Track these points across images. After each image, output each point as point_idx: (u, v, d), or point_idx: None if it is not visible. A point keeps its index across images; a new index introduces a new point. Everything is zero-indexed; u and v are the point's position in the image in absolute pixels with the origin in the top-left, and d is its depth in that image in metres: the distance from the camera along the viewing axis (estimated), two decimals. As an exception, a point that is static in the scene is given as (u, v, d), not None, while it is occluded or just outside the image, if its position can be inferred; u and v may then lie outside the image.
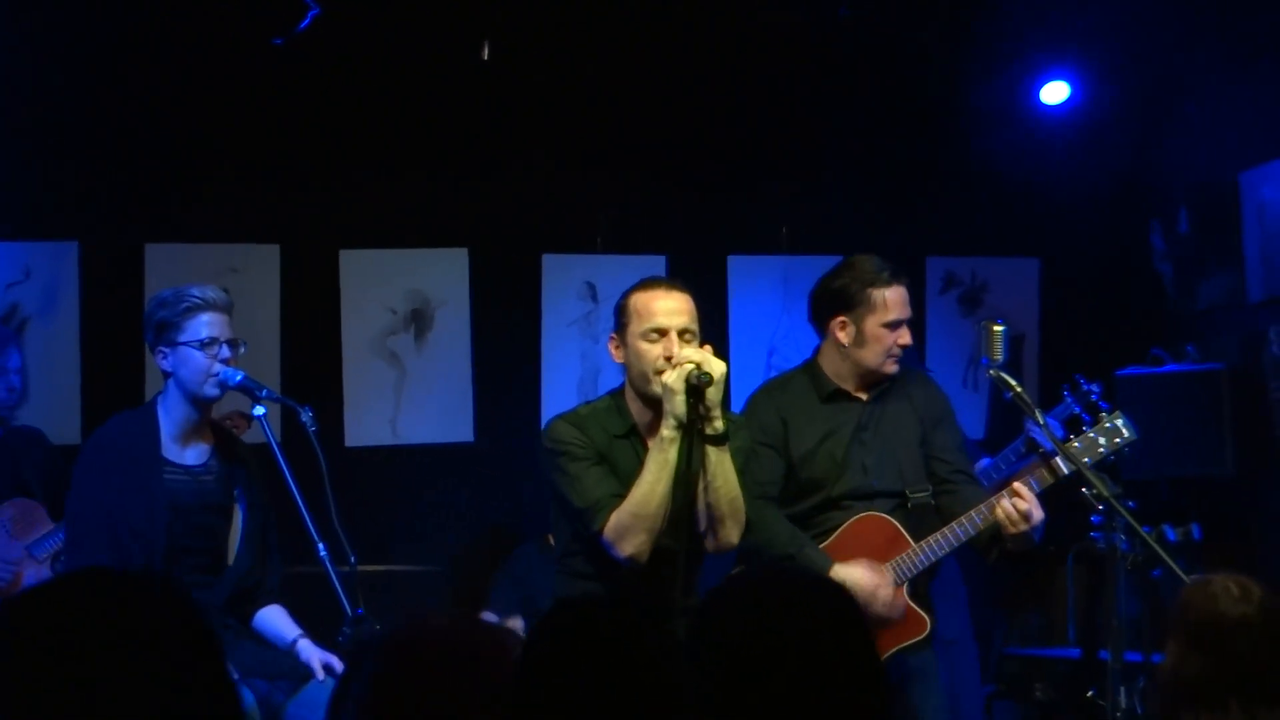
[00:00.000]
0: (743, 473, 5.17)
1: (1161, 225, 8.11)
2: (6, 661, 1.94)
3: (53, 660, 1.92)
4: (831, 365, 5.75)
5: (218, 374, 5.21)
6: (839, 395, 5.73)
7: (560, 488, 5.19)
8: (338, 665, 5.14)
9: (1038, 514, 5.30)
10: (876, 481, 5.63)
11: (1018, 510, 5.28)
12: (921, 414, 5.75)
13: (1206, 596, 3.48)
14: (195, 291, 5.28)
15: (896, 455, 5.68)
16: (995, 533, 5.39)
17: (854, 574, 5.39)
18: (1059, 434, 5.50)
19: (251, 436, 5.58)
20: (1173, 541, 6.45)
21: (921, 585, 5.60)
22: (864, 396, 5.73)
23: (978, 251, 8.26)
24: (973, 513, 5.43)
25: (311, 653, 5.23)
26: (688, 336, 5.11)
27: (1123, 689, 5.21)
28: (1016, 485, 5.37)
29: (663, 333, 5.08)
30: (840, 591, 2.87)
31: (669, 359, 5.00)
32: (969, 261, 8.25)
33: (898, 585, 5.48)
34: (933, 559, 5.51)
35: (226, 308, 5.32)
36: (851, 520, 5.59)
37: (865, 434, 5.68)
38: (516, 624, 6.27)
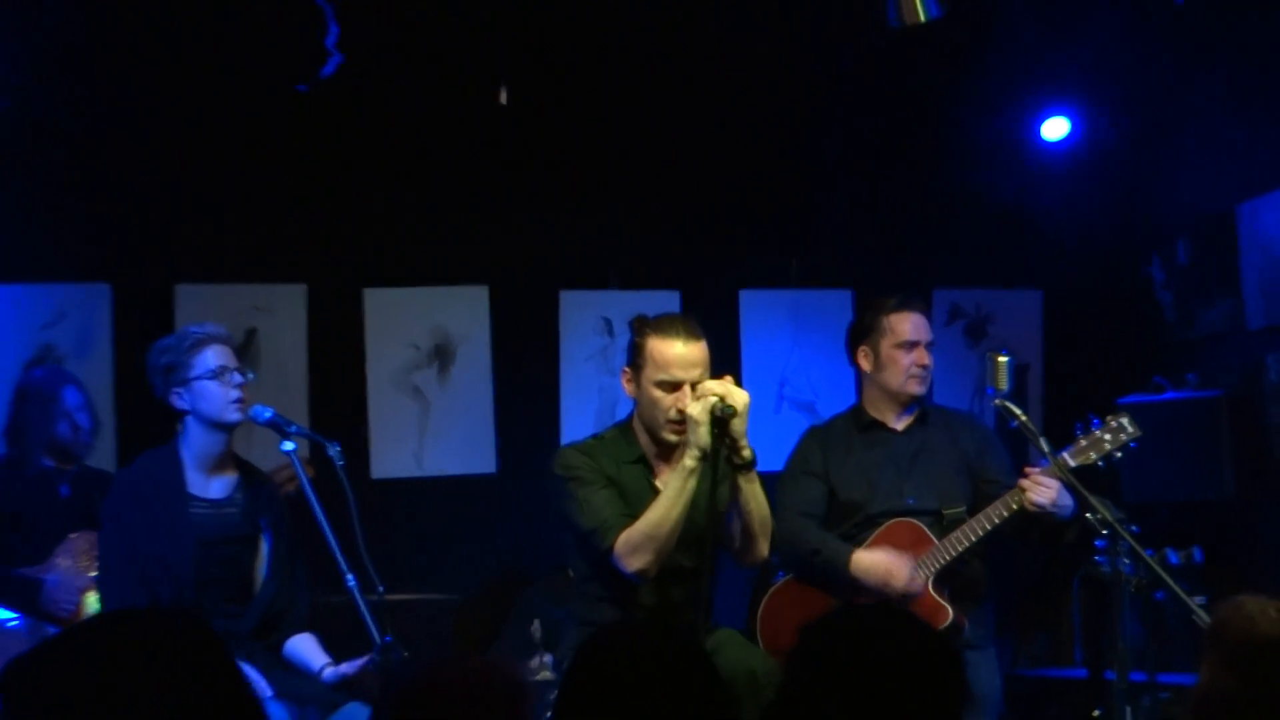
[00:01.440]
0: (775, 504, 5.30)
1: (1161, 256, 8.11)
2: (47, 706, 1.94)
3: (87, 701, 1.93)
4: (868, 398, 6.06)
5: (237, 398, 5.24)
6: (875, 426, 6.00)
7: (570, 512, 5.26)
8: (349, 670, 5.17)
9: (1053, 487, 5.46)
10: (912, 500, 5.86)
11: (1037, 484, 5.47)
12: (964, 446, 5.98)
13: (1244, 618, 3.45)
14: (195, 329, 5.34)
15: (934, 478, 5.90)
16: (1028, 517, 5.55)
17: (873, 557, 5.69)
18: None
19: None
20: (1175, 564, 6.49)
21: (957, 587, 5.73)
22: (899, 427, 5.99)
23: (982, 284, 8.27)
24: (990, 509, 5.62)
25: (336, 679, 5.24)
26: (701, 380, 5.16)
27: (1128, 708, 5.21)
28: (1027, 469, 5.59)
29: (677, 385, 5.13)
30: (941, 637, 2.89)
31: (681, 411, 5.07)
32: (974, 294, 8.27)
33: (922, 579, 5.65)
34: (955, 553, 5.66)
35: (228, 339, 5.38)
36: (883, 527, 5.80)
37: (903, 462, 5.92)
38: (538, 662, 6.29)
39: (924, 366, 5.90)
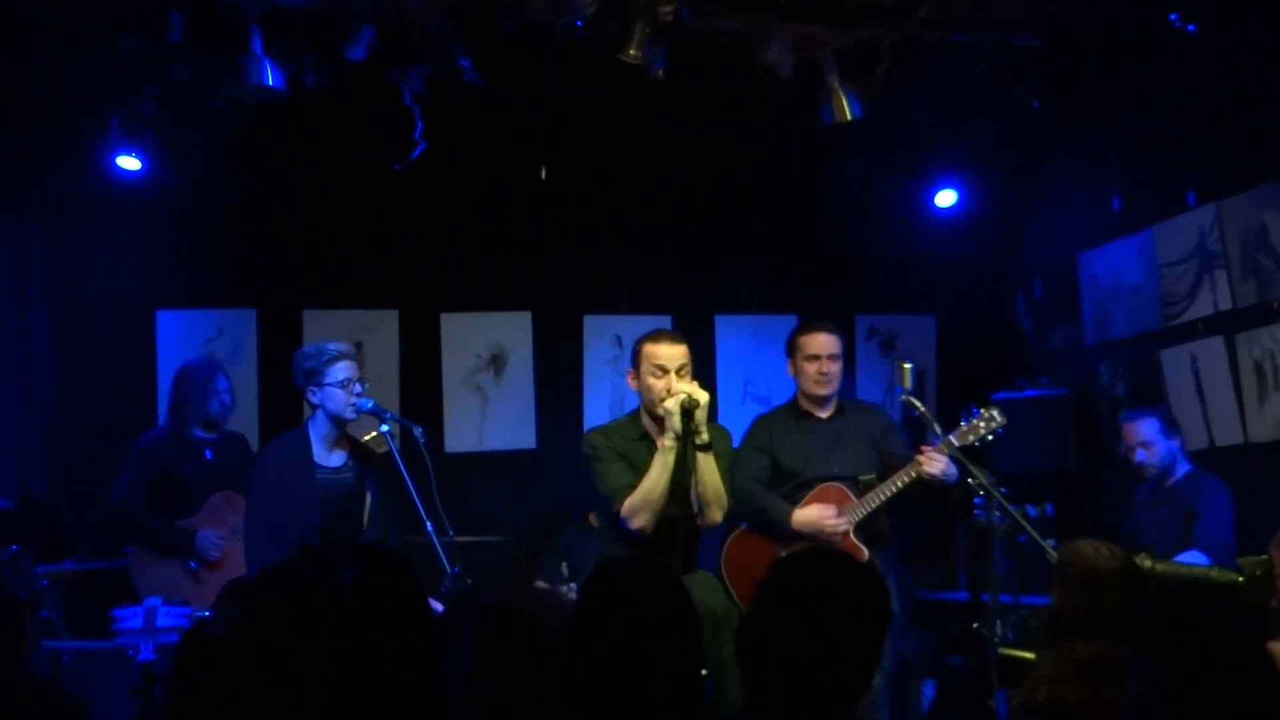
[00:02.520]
0: (729, 471, 5.27)
1: (1022, 291, 8.12)
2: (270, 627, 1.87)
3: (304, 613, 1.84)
4: (799, 396, 5.95)
5: (355, 403, 5.24)
6: (805, 415, 5.92)
7: (593, 480, 5.32)
8: (438, 608, 5.14)
9: (943, 459, 5.44)
10: (836, 469, 5.78)
11: (931, 457, 5.44)
12: (873, 430, 5.90)
13: (1084, 556, 3.52)
14: (333, 346, 5.32)
15: (852, 454, 5.83)
16: (923, 483, 5.51)
17: (807, 511, 5.64)
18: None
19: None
20: (1033, 516, 6.49)
21: (869, 536, 5.67)
22: (823, 415, 5.90)
23: (892, 310, 8.25)
24: (896, 476, 5.58)
25: None
26: (684, 372, 5.21)
27: (999, 622, 5.20)
28: (922, 447, 5.57)
29: (665, 370, 5.16)
30: (873, 574, 2.85)
31: (669, 390, 5.08)
32: (886, 318, 8.24)
33: (846, 525, 5.60)
34: (871, 508, 5.62)
35: (355, 356, 5.36)
36: (816, 489, 5.74)
37: (827, 440, 5.86)
38: (566, 589, 6.24)
39: (824, 373, 5.79)
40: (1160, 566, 4.94)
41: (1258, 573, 4.89)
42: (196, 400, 6.32)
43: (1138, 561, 4.35)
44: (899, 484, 5.55)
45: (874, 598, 2.69)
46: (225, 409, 6.43)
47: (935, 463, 5.44)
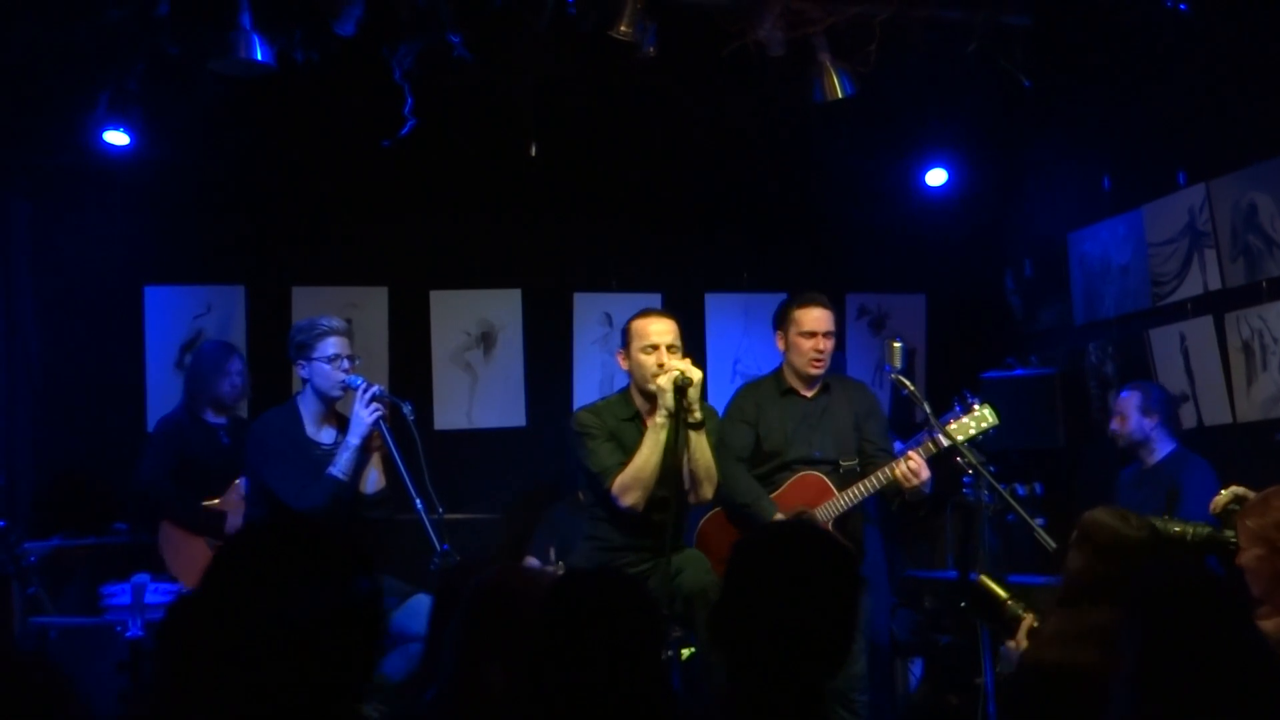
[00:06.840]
0: (716, 448, 5.24)
1: (1012, 270, 8.12)
2: (219, 595, 1.85)
3: (254, 587, 1.83)
4: (785, 370, 5.87)
5: (342, 380, 5.23)
6: (790, 392, 5.83)
7: (583, 458, 5.29)
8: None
9: (925, 473, 5.37)
10: (818, 453, 5.72)
11: (909, 468, 5.34)
12: (856, 410, 5.83)
13: (1108, 525, 3.65)
14: (324, 321, 5.31)
15: (833, 435, 5.75)
16: (896, 487, 5.44)
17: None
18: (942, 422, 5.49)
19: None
20: (1021, 495, 6.48)
21: (850, 527, 5.62)
22: (808, 394, 5.82)
23: (882, 289, 8.25)
24: (878, 472, 5.49)
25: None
26: (674, 349, 5.21)
27: (986, 600, 5.19)
28: (909, 452, 5.42)
29: (656, 347, 5.16)
30: (844, 547, 2.83)
31: (661, 365, 5.08)
32: (876, 297, 8.24)
33: (824, 521, 5.51)
34: (851, 504, 5.54)
35: (347, 332, 5.34)
36: (794, 477, 5.65)
37: (811, 420, 5.79)
38: (555, 567, 6.23)
39: (820, 352, 5.68)
40: (1158, 523, 4.94)
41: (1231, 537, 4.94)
42: (208, 381, 6.35)
43: (1161, 526, 4.50)
44: (877, 482, 5.47)
45: (839, 564, 2.68)
46: (236, 390, 6.45)
47: (913, 472, 5.34)
